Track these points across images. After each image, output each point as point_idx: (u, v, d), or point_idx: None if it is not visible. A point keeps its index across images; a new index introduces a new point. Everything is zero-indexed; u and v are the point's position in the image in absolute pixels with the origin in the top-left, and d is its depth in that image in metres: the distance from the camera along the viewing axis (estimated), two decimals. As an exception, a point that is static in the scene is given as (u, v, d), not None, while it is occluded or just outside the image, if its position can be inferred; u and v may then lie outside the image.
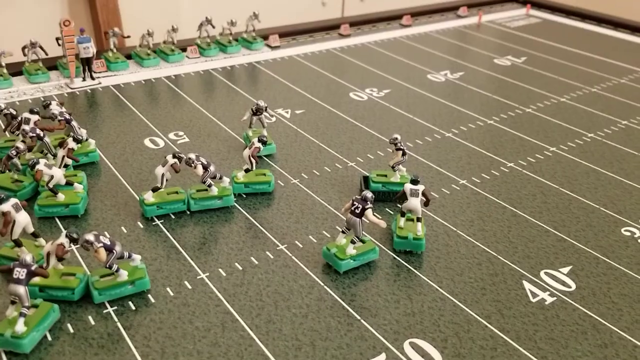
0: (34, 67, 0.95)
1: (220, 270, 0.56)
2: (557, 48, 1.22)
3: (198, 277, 0.55)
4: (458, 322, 0.51)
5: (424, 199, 0.59)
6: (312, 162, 0.76)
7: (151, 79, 1.00)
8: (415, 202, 0.58)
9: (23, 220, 0.53)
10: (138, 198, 0.65)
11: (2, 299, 0.51)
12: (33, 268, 0.46)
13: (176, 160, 0.63)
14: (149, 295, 0.52)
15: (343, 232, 0.56)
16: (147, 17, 1.29)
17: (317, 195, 0.68)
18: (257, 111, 0.76)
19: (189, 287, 0.54)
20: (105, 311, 0.50)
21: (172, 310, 0.51)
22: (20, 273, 0.46)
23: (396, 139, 0.66)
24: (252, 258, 0.58)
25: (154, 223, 0.62)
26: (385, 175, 0.68)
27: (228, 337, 0.48)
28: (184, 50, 1.08)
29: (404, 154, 0.66)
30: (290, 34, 1.24)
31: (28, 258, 0.46)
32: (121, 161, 0.74)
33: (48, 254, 0.50)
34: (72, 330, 0.48)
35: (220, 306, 0.51)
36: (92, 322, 0.49)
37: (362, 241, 0.56)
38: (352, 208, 0.55)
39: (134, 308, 0.51)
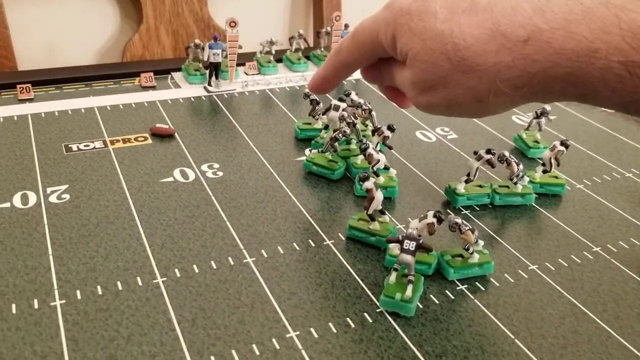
0: (295, 57, 1.04)
1: (547, 264, 0.60)
2: None
3: (529, 268, 0.59)
4: None
5: None
6: (586, 169, 0.78)
7: (395, 74, 1.05)
8: None
9: (379, 197, 0.60)
10: (442, 188, 0.71)
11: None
12: (420, 242, 0.52)
13: (491, 156, 0.67)
14: (492, 279, 0.57)
15: (672, 241, 0.59)
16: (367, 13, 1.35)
17: (609, 203, 0.70)
18: (540, 114, 0.79)
19: (525, 276, 0.58)
20: (458, 288, 0.56)
21: (521, 295, 0.55)
22: (410, 245, 0.52)
23: None
24: (572, 256, 0.61)
25: (462, 212, 0.68)
26: (683, 190, 0.69)
27: (584, 327, 0.52)
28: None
29: None
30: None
31: (415, 232, 0.53)
32: (404, 151, 0.80)
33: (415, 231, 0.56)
34: (437, 302, 0.54)
35: (564, 298, 0.55)
36: (452, 297, 0.55)
37: (688, 253, 0.58)
38: (691, 220, 0.57)
39: (483, 289, 0.56)
